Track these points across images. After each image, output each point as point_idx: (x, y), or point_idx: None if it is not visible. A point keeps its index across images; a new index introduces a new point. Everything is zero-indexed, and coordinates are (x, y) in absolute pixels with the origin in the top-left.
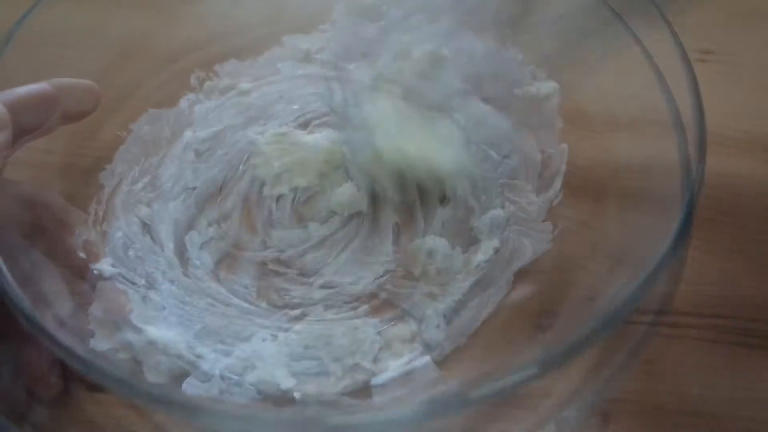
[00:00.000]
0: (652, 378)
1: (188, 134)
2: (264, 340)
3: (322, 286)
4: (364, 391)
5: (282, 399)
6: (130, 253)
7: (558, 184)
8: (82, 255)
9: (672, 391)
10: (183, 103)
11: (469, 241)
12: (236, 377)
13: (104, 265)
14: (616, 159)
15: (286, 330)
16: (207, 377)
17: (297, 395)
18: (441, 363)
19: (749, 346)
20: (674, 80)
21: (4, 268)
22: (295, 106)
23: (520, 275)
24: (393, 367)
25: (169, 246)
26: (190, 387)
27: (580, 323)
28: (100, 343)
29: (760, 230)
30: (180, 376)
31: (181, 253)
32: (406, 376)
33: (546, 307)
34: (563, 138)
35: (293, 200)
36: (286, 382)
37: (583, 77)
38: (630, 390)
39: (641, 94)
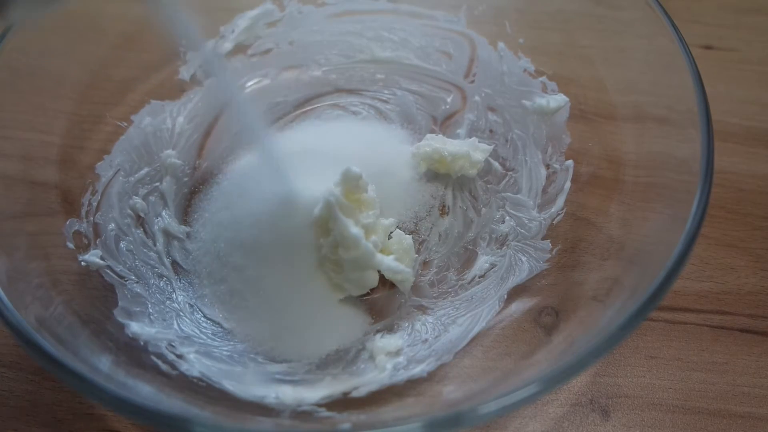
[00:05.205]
0: (652, 373)
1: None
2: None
3: None
4: (342, 402)
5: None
6: (122, 245)
7: (561, 201)
8: (70, 245)
9: (672, 386)
10: (186, 95)
11: (466, 254)
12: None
13: (93, 258)
14: (621, 155)
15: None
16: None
17: (273, 401)
18: (426, 379)
19: (750, 342)
20: (677, 76)
21: None
22: None
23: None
24: (375, 380)
25: (161, 239)
26: None
27: (588, 327)
28: None
29: (762, 226)
30: None
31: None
32: (387, 391)
33: (550, 304)
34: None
35: None
36: (264, 389)
37: (583, 70)
38: (630, 385)
39: (646, 89)
